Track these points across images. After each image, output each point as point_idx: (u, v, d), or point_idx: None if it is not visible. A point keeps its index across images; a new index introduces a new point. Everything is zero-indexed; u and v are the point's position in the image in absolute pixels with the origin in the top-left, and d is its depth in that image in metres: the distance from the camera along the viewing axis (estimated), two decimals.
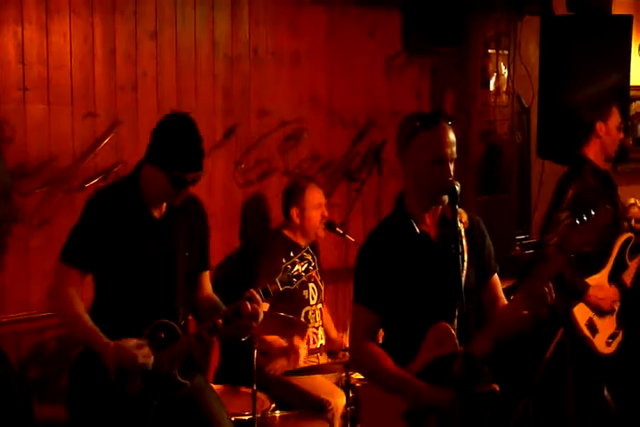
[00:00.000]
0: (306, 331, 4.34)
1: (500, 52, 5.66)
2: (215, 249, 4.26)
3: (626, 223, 4.60)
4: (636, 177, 6.27)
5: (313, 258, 3.44)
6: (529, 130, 6.09)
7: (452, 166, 2.82)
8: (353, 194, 5.06)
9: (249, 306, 3.11)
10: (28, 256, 3.92)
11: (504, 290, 3.08)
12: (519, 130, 6.00)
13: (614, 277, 4.42)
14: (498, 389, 2.78)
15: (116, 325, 3.13)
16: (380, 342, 3.00)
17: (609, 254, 4.42)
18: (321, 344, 4.47)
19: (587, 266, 4.27)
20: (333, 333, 4.60)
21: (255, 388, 3.71)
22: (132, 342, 3.02)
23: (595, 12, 5.54)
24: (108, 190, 3.26)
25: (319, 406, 4.09)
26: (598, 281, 4.37)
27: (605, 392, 4.42)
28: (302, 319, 4.31)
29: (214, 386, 3.99)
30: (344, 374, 3.92)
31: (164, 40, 4.34)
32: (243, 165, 4.70)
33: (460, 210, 2.84)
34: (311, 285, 4.42)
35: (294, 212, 4.43)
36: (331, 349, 4.54)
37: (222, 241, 4.58)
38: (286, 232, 4.46)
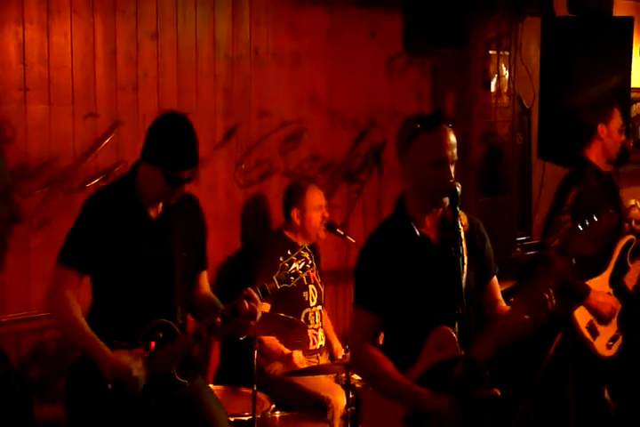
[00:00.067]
0: (305, 332, 4.34)
1: (501, 53, 5.66)
2: (216, 250, 4.28)
3: (627, 225, 4.59)
4: (636, 179, 6.27)
5: (310, 256, 3.44)
6: (530, 131, 6.09)
7: (452, 168, 2.82)
8: (353, 195, 5.06)
9: (247, 305, 3.11)
10: (28, 256, 3.92)
11: (505, 291, 3.08)
12: (520, 131, 6.00)
13: (615, 280, 4.42)
14: (499, 393, 2.77)
15: (114, 325, 3.15)
16: (381, 344, 3.00)
17: (610, 257, 4.41)
18: (320, 345, 4.47)
19: (588, 268, 4.26)
20: (335, 342, 4.60)
21: (255, 388, 3.71)
22: (128, 357, 3.04)
23: (596, 14, 5.54)
24: (103, 192, 3.27)
25: (319, 405, 4.10)
26: (599, 284, 4.37)
27: (606, 395, 4.42)
28: (302, 321, 4.31)
29: (214, 386, 4.00)
30: (344, 375, 3.92)
31: (165, 40, 4.34)
32: (243, 166, 4.69)
33: (460, 212, 2.83)
34: (311, 286, 4.42)
35: (295, 213, 4.43)
36: (331, 351, 4.56)
37: (223, 242, 4.58)
38: (287, 233, 4.47)
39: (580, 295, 4.28)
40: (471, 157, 5.48)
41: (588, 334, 4.33)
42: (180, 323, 3.23)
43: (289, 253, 3.29)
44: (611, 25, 5.56)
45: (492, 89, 5.63)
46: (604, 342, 4.37)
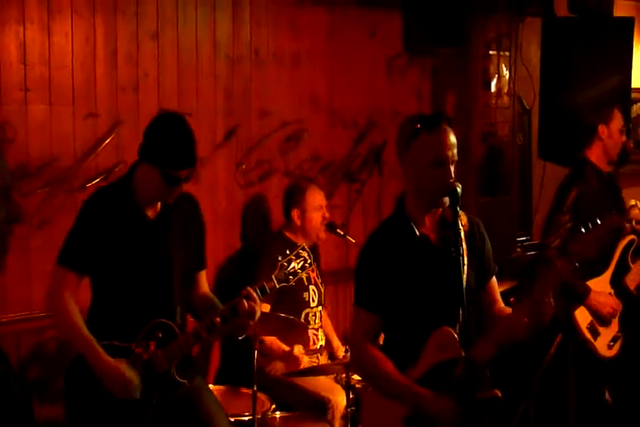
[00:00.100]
0: (306, 332, 4.34)
1: (502, 53, 5.66)
2: (216, 250, 4.29)
3: (628, 225, 4.59)
4: (636, 179, 6.27)
5: (309, 255, 3.44)
6: (530, 131, 6.09)
7: (452, 168, 2.82)
8: (353, 195, 5.06)
9: (246, 304, 3.11)
10: (28, 256, 3.92)
11: (504, 292, 3.08)
12: (520, 131, 6.00)
13: (616, 281, 4.42)
14: (500, 394, 2.77)
15: (113, 325, 3.15)
16: (382, 344, 3.00)
17: (611, 257, 4.41)
18: (321, 345, 4.47)
19: (588, 269, 4.26)
20: (335, 341, 4.60)
21: (255, 388, 3.71)
22: (124, 366, 3.06)
23: (596, 14, 5.53)
24: (101, 193, 3.27)
25: (320, 405, 4.10)
26: (600, 284, 4.36)
27: (606, 395, 4.42)
28: (302, 321, 4.31)
29: (214, 387, 4.00)
30: (344, 375, 3.92)
31: (166, 41, 4.34)
32: (244, 166, 4.69)
33: (459, 212, 2.83)
34: (311, 287, 4.43)
35: (295, 213, 4.43)
36: (331, 351, 4.56)
37: (223, 242, 4.58)
38: (287, 233, 4.47)
39: (581, 296, 4.28)
40: (471, 158, 5.48)
41: (588, 335, 4.33)
42: (180, 323, 3.23)
43: (288, 252, 3.29)
44: (611, 25, 5.56)
45: (493, 89, 5.63)
46: (605, 342, 4.37)
